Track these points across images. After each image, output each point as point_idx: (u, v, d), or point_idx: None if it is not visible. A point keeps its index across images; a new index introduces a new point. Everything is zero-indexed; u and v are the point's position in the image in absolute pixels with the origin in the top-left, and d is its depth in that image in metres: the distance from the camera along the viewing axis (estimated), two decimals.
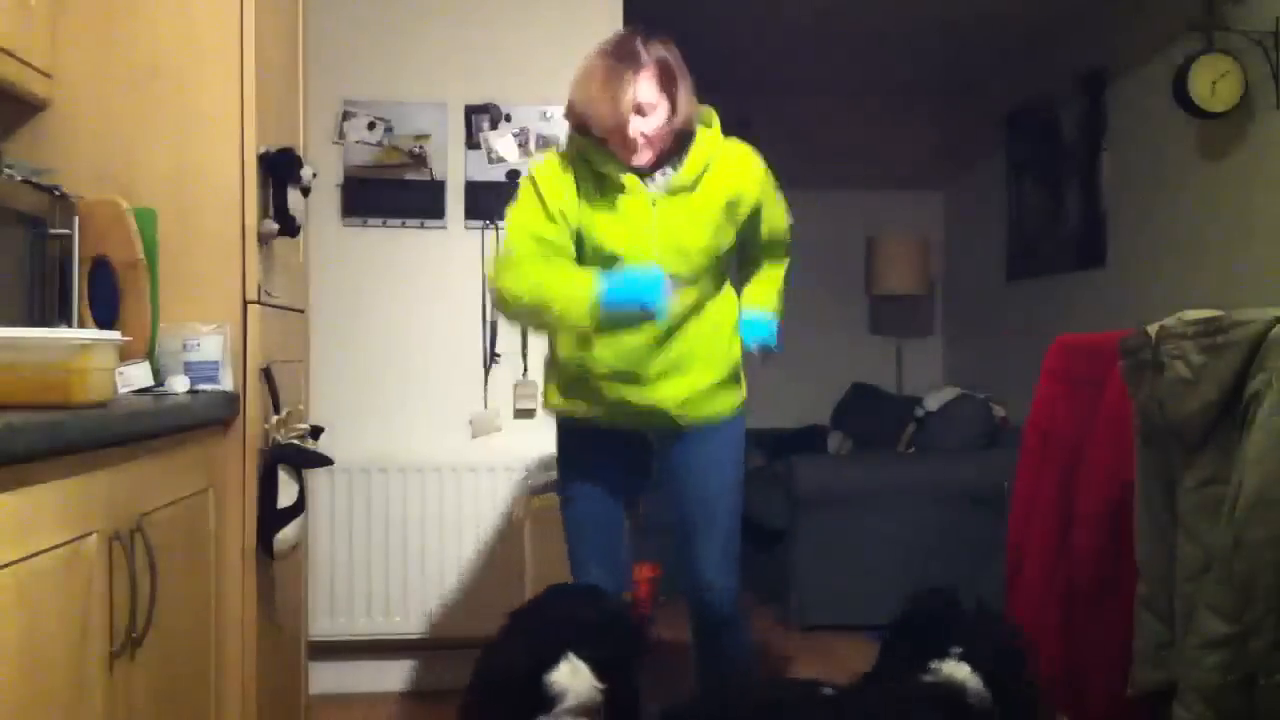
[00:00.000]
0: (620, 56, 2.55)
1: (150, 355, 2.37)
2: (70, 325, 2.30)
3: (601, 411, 2.71)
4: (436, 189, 4.01)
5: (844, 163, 6.82)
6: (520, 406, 4.03)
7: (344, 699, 3.90)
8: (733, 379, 2.76)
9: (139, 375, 2.26)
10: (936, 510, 4.88)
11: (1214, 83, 3.96)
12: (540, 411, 4.03)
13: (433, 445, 4.01)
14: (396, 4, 4.03)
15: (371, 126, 3.99)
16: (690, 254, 2.63)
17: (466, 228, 4.03)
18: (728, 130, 2.77)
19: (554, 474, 3.85)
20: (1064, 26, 5.35)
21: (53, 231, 2.28)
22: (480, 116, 4.03)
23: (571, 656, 2.05)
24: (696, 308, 2.68)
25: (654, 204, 2.62)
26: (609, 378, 2.65)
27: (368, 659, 3.99)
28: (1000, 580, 3.39)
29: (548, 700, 1.99)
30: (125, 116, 2.49)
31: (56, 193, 2.29)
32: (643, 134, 2.56)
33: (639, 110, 2.54)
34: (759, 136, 2.92)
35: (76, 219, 2.31)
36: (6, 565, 1.49)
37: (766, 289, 2.92)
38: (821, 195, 6.81)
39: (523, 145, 4.03)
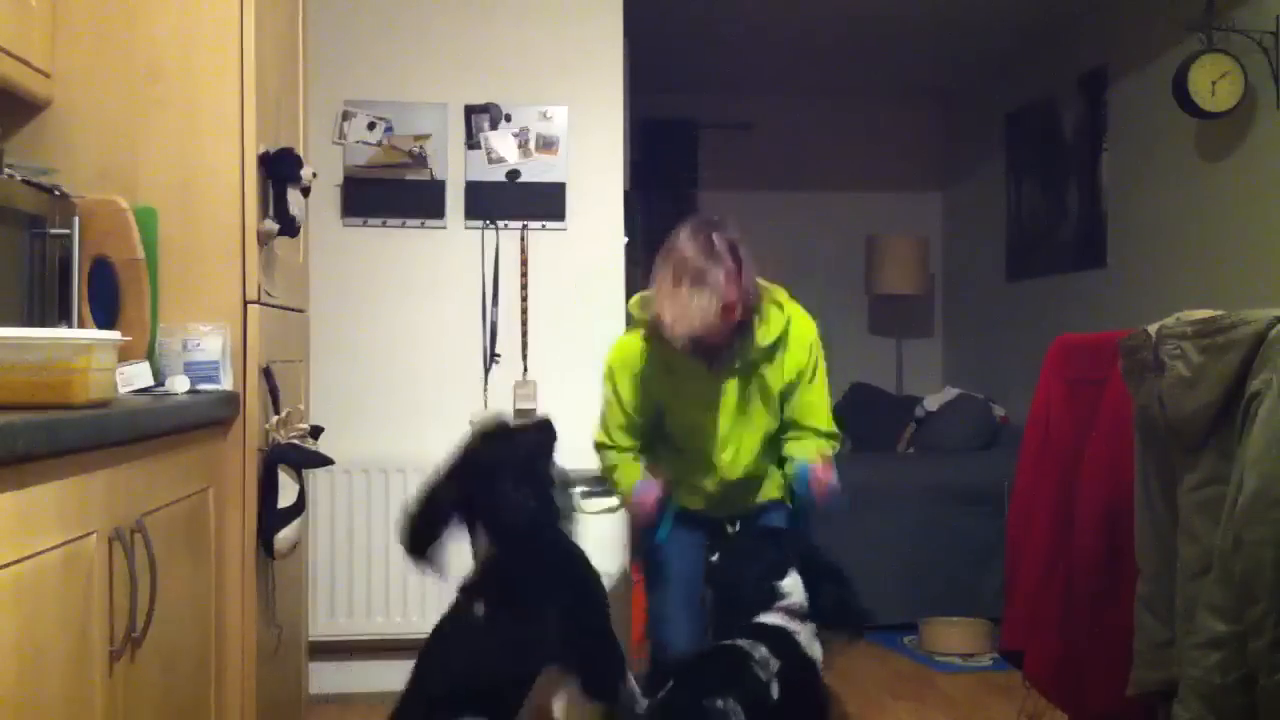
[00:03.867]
0: (698, 280, 2.72)
1: (150, 355, 2.37)
2: (70, 325, 2.30)
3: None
4: (436, 189, 4.01)
5: (844, 163, 6.83)
6: (520, 406, 4.02)
7: (344, 699, 3.90)
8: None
9: (139, 375, 2.26)
10: (936, 510, 4.88)
11: (1214, 83, 3.96)
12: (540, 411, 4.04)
13: (433, 445, 3.97)
14: (396, 4, 4.03)
15: (371, 126, 3.99)
16: (754, 429, 2.99)
17: (466, 228, 4.03)
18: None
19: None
20: (1064, 26, 5.35)
21: (53, 231, 2.28)
22: (480, 116, 4.03)
23: (794, 571, 2.75)
24: (758, 465, 3.05)
25: (723, 388, 2.94)
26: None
27: (368, 659, 3.99)
28: (1000, 580, 3.39)
29: (777, 597, 2.72)
30: (125, 116, 2.49)
31: (56, 193, 2.29)
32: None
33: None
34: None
35: (76, 219, 2.31)
36: (6, 565, 1.49)
37: (805, 444, 3.02)
38: (821, 195, 6.83)
39: (523, 145, 4.03)
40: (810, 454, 2.94)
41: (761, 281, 2.91)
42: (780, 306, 2.96)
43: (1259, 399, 2.03)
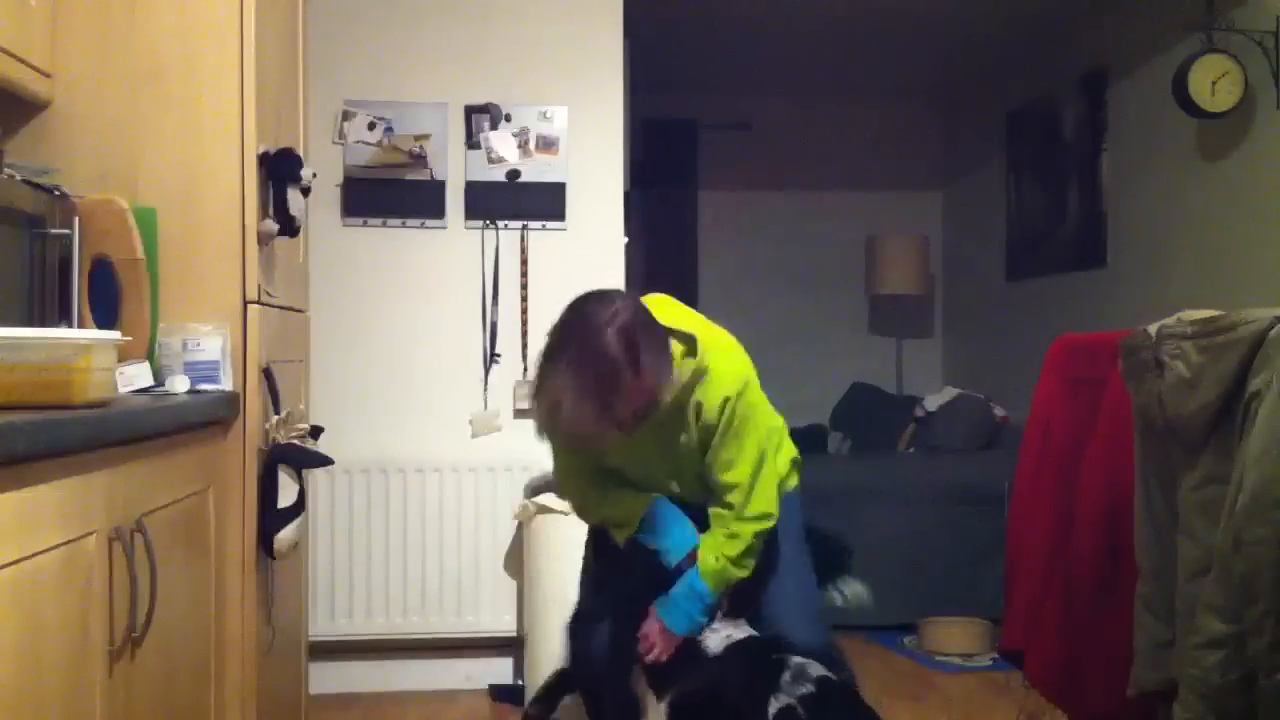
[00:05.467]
0: (602, 402, 2.32)
1: (150, 355, 2.36)
2: (70, 325, 2.30)
3: None
4: (436, 189, 4.01)
5: (844, 163, 6.82)
6: (520, 406, 4.02)
7: (344, 699, 3.90)
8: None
9: (139, 375, 2.26)
10: (936, 510, 4.88)
11: (1214, 83, 3.96)
12: None
13: (433, 445, 4.01)
14: (396, 4, 4.03)
15: (371, 126, 3.99)
16: (685, 467, 2.62)
17: (466, 228, 4.03)
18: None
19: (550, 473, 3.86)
20: (1064, 26, 5.35)
21: (53, 231, 2.28)
22: (480, 116, 4.03)
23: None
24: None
25: (645, 442, 2.52)
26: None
27: (368, 659, 3.99)
28: (1000, 580, 3.39)
29: None
30: (125, 116, 2.49)
31: (56, 193, 2.29)
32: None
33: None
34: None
35: (76, 219, 2.31)
36: (6, 565, 1.49)
37: (710, 546, 2.58)
38: (821, 195, 6.83)
39: (523, 145, 4.03)
40: (706, 564, 2.53)
41: (680, 335, 2.47)
42: (695, 361, 2.51)
43: (1259, 399, 2.03)
